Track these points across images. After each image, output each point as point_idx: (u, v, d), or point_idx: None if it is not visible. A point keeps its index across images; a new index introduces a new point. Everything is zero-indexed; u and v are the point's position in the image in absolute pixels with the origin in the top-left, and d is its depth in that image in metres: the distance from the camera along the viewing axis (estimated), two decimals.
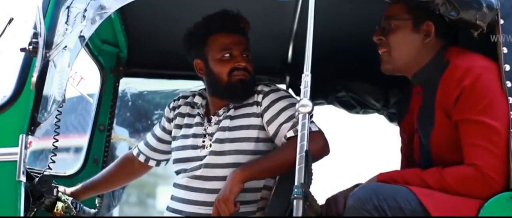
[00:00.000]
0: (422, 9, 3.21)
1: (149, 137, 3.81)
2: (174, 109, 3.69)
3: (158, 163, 3.83)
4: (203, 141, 3.50)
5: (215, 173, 3.42)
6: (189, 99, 3.67)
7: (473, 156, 3.03)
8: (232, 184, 3.23)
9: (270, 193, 3.39)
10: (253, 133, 3.43)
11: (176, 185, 3.51)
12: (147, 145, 3.80)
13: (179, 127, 3.63)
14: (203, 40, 3.52)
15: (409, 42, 3.25)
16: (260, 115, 3.43)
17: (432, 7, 3.12)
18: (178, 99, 3.71)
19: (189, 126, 3.59)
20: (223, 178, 3.33)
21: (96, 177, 3.87)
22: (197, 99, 3.61)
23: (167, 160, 3.82)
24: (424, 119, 3.25)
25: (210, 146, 3.46)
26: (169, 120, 3.70)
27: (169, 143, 3.68)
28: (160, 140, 3.76)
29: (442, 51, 3.23)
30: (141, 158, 3.82)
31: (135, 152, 3.84)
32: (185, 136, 3.57)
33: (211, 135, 3.49)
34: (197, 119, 3.58)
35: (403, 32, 3.26)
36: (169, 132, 3.70)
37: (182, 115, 3.64)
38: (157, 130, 3.78)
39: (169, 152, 3.71)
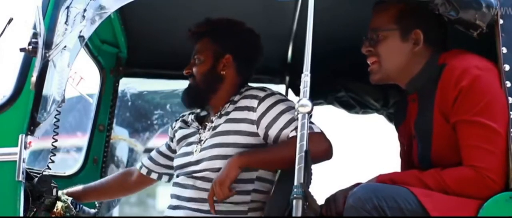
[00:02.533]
0: (409, 17, 3.21)
1: (153, 153, 3.85)
2: (174, 126, 3.75)
3: (160, 176, 3.84)
4: (196, 147, 3.51)
5: (207, 175, 3.42)
6: (185, 116, 3.73)
7: (472, 157, 3.03)
8: (229, 168, 3.26)
9: (261, 195, 3.40)
10: (241, 139, 3.41)
11: (174, 184, 3.55)
12: (151, 159, 3.84)
13: (179, 140, 3.67)
14: None
15: (398, 52, 3.24)
16: (254, 122, 3.41)
17: (431, 7, 3.11)
18: (179, 118, 3.77)
19: (187, 136, 3.64)
20: None
21: (95, 184, 3.87)
22: (189, 118, 3.68)
23: (170, 175, 3.81)
24: (422, 126, 3.24)
25: (201, 151, 3.47)
26: (171, 139, 3.76)
27: (173, 159, 3.69)
28: (164, 155, 3.80)
29: (434, 57, 3.21)
30: (143, 171, 3.83)
31: (138, 166, 3.86)
32: (182, 145, 3.62)
33: (204, 141, 3.50)
34: (194, 128, 3.62)
35: (392, 42, 3.24)
36: (173, 151, 3.74)
37: (181, 127, 3.69)
38: (162, 147, 3.83)
39: (172, 167, 3.72)
